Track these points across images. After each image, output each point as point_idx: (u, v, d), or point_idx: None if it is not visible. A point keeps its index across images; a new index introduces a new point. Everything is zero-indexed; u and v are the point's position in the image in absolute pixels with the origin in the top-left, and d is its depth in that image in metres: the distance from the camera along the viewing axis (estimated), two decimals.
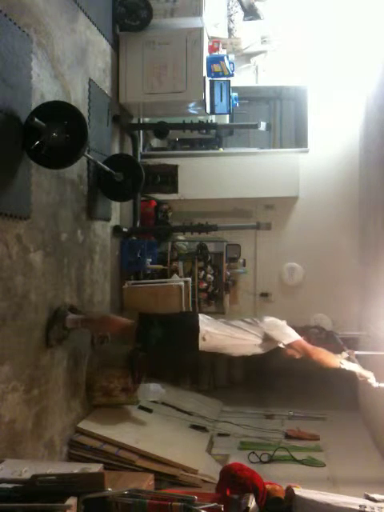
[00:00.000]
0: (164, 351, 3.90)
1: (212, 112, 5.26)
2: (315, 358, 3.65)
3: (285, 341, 3.70)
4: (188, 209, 6.30)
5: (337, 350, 4.10)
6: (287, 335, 3.73)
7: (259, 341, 3.73)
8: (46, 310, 3.46)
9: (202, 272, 5.85)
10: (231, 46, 6.23)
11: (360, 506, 2.64)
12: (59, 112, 3.12)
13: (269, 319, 3.83)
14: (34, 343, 3.29)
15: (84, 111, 4.08)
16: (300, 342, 3.71)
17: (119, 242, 5.17)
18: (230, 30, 6.18)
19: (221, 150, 6.48)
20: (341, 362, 3.67)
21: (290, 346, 3.70)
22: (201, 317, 3.77)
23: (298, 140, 6.87)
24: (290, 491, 2.84)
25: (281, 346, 3.73)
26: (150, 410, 4.74)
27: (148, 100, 5.07)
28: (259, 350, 3.79)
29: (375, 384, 3.73)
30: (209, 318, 3.83)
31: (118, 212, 5.12)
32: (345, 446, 4.92)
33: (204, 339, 3.68)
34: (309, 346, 3.70)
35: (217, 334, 3.70)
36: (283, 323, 3.83)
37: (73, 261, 3.93)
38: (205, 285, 5.83)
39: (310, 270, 6.33)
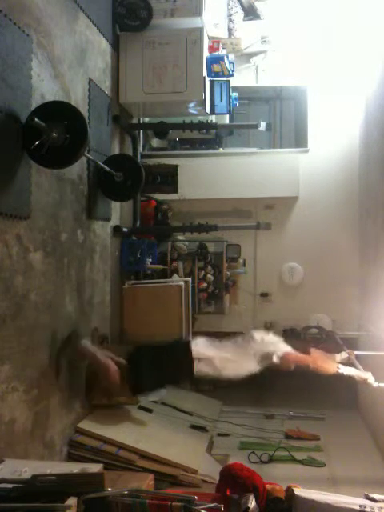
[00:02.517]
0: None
1: (212, 112, 5.26)
2: (312, 365, 3.62)
3: (276, 356, 3.64)
4: (188, 209, 6.30)
5: (336, 350, 4.10)
6: (279, 348, 3.68)
7: (256, 359, 3.68)
8: (47, 311, 3.46)
9: (202, 272, 5.85)
10: (231, 46, 6.23)
11: (360, 505, 2.64)
12: (59, 112, 3.11)
13: (258, 335, 3.76)
14: (34, 343, 3.29)
15: (84, 111, 4.08)
16: (291, 354, 3.67)
17: (119, 242, 5.17)
18: (230, 30, 6.18)
19: (221, 150, 6.48)
20: (338, 367, 3.65)
21: (282, 358, 3.66)
22: (193, 345, 3.68)
23: (298, 140, 6.87)
24: (289, 491, 2.84)
25: (274, 360, 3.67)
26: (150, 410, 4.74)
27: (148, 100, 5.07)
28: (257, 369, 3.74)
29: (375, 384, 3.73)
30: (201, 342, 3.75)
31: (117, 212, 5.12)
32: (345, 445, 4.93)
33: (199, 370, 3.66)
34: (301, 355, 3.66)
35: (211, 360, 3.66)
36: (273, 337, 3.77)
37: (73, 261, 3.93)
38: (205, 285, 5.83)
39: (310, 270, 6.33)
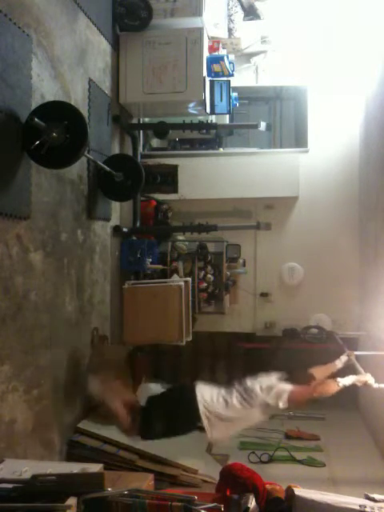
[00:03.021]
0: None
1: (212, 112, 5.25)
2: (316, 395, 3.60)
3: (281, 403, 3.53)
4: (188, 209, 6.30)
5: (336, 354, 4.09)
6: (281, 394, 3.55)
7: (263, 409, 3.60)
8: (46, 310, 3.46)
9: (202, 272, 5.84)
10: (231, 46, 6.22)
11: (360, 505, 2.64)
12: (59, 112, 3.12)
13: (257, 385, 3.62)
14: (34, 343, 3.29)
15: (84, 111, 4.08)
16: (293, 393, 3.55)
17: (119, 242, 5.17)
18: (230, 30, 6.17)
19: (221, 150, 6.48)
20: (338, 383, 3.61)
21: (288, 401, 3.54)
22: (201, 408, 3.58)
23: (298, 140, 6.87)
24: (289, 491, 2.84)
25: (281, 406, 3.56)
26: None
27: (148, 100, 5.07)
28: (266, 416, 3.70)
29: (375, 385, 3.73)
30: (207, 400, 3.63)
31: (117, 212, 5.12)
32: (345, 446, 4.92)
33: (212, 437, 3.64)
34: (304, 391, 3.57)
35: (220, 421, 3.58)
36: (272, 382, 3.63)
37: (73, 261, 3.93)
38: (205, 285, 5.82)
39: (310, 270, 6.32)
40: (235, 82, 5.63)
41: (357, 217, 6.25)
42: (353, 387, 5.91)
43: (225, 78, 5.21)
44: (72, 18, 3.90)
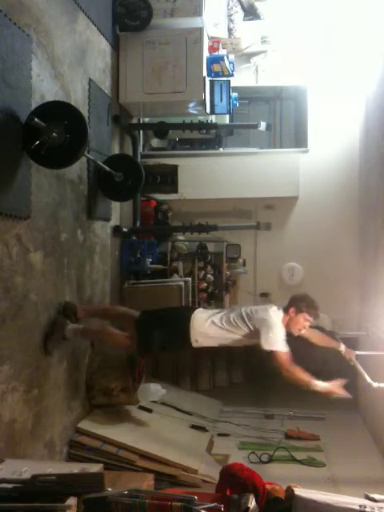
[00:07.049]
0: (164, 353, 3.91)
1: (212, 112, 5.26)
2: (286, 374, 3.54)
3: (265, 346, 3.58)
4: (188, 209, 6.30)
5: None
6: (269, 341, 3.58)
7: (247, 333, 3.68)
8: (46, 311, 3.46)
9: (202, 272, 5.85)
10: (231, 46, 6.23)
11: (360, 505, 2.64)
12: (59, 112, 3.12)
13: (262, 315, 3.67)
14: (34, 343, 3.29)
15: (84, 111, 4.08)
16: (279, 354, 3.55)
17: (119, 242, 5.17)
18: (230, 30, 6.17)
19: (221, 150, 6.48)
20: (315, 384, 3.53)
21: (271, 353, 3.58)
22: (193, 317, 3.72)
23: (298, 140, 6.87)
24: (289, 491, 2.84)
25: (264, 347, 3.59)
26: (149, 410, 4.74)
27: (148, 100, 5.07)
28: (247, 343, 3.75)
29: (375, 384, 3.73)
30: (203, 315, 3.77)
31: (117, 212, 5.12)
32: (345, 446, 4.92)
33: (196, 341, 3.72)
34: (286, 363, 3.54)
35: (210, 335, 3.70)
36: (274, 323, 3.65)
37: (73, 261, 3.93)
38: (205, 285, 5.83)
39: (310, 270, 6.32)
40: (235, 81, 5.63)
41: (357, 217, 6.25)
42: (353, 387, 5.92)
43: (225, 78, 5.21)
44: (72, 17, 3.90)
